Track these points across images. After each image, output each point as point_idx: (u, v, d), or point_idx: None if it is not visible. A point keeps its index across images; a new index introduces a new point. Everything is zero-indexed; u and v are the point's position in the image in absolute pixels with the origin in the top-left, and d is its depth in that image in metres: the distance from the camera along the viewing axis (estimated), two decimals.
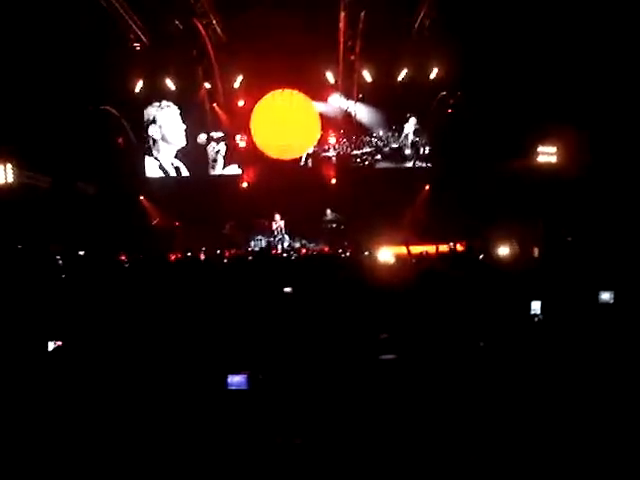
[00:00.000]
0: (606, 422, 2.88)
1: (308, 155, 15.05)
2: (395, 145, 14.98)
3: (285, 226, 14.27)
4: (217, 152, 15.18)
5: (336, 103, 14.67)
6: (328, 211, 14.58)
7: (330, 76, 14.21)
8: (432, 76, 13.99)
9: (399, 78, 14.11)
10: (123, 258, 11.00)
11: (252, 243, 14.23)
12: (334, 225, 14.52)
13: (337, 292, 5.45)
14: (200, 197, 14.16)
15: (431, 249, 10.88)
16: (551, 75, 11.84)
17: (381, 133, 14.95)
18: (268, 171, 14.58)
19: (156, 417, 3.06)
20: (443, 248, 11.45)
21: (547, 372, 3.38)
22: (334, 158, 15.01)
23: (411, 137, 14.90)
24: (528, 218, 11.15)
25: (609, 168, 11.00)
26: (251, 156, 14.82)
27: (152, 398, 3.22)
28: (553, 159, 13.02)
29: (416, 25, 13.18)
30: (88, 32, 12.17)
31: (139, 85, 14.24)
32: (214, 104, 14.61)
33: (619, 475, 2.59)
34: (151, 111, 14.90)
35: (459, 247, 11.76)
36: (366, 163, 15.06)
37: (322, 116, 14.69)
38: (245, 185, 14.86)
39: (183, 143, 15.08)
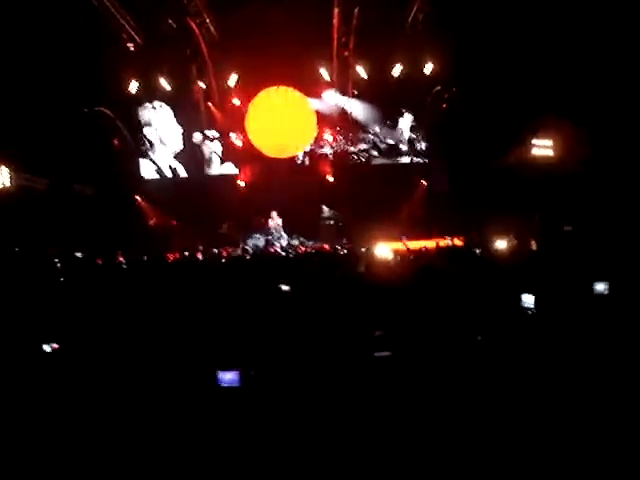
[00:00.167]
0: (603, 414, 2.89)
1: (304, 153, 15.02)
2: (391, 141, 14.94)
3: (283, 224, 14.24)
4: (213, 151, 15.16)
5: (331, 100, 14.61)
6: (325, 209, 14.57)
7: (324, 73, 14.15)
8: (427, 71, 13.94)
9: (394, 74, 14.07)
10: (121, 259, 11.03)
11: (249, 242, 14.20)
12: (332, 222, 14.50)
13: (334, 289, 5.46)
14: (197, 196, 14.14)
15: (430, 244, 10.91)
16: (547, 69, 11.81)
17: (377, 129, 14.91)
18: (265, 169, 14.52)
19: (149, 414, 3.07)
20: (442, 243, 11.49)
21: (542, 364, 3.40)
22: (330, 155, 14.98)
23: (407, 133, 14.87)
24: (525, 212, 11.18)
25: (605, 162, 11.00)
26: (247, 155, 14.74)
27: (145, 396, 3.23)
28: (549, 152, 13.02)
29: (409, 20, 13.12)
30: (81, 33, 12.11)
31: (133, 85, 14.19)
32: (209, 103, 14.55)
33: (616, 471, 2.60)
34: (145, 113, 14.85)
35: (457, 242, 11.81)
36: (362, 160, 15.04)
37: (317, 113, 14.62)
38: (242, 184, 14.81)
39: (180, 146, 15.05)
